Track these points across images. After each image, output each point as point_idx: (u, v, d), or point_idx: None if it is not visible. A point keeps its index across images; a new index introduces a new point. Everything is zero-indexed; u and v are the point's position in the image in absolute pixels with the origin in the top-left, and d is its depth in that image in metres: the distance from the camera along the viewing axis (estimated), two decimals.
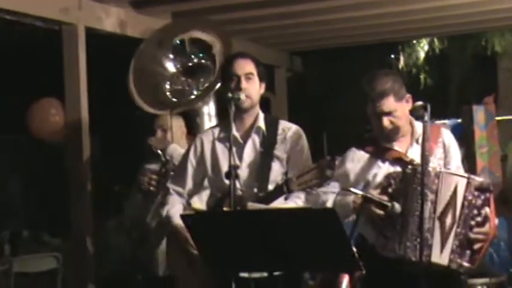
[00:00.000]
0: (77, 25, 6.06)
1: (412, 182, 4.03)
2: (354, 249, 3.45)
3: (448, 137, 4.35)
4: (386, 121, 4.14)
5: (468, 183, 4.03)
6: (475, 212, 4.04)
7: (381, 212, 4.00)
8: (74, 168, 6.10)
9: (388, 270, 4.06)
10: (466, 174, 4.11)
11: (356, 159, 4.28)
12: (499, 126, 8.93)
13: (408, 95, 4.21)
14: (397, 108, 4.15)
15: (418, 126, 4.24)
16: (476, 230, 4.04)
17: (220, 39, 5.57)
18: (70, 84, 6.09)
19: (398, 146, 4.23)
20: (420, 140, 4.19)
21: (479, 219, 4.04)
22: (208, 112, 5.67)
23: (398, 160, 4.19)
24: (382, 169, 4.20)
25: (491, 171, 8.09)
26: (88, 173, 6.09)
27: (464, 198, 4.02)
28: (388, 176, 4.12)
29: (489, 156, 8.16)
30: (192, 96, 5.66)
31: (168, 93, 5.67)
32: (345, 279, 4.23)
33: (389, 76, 4.21)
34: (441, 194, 4.02)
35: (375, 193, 4.05)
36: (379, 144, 4.27)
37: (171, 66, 5.70)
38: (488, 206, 4.07)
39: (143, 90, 5.64)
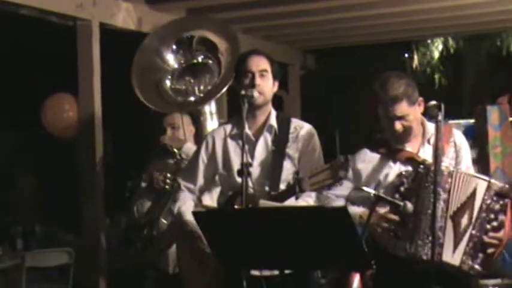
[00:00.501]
0: (92, 21, 6.07)
1: (424, 181, 4.02)
2: (365, 247, 3.45)
3: (459, 137, 4.33)
4: (398, 125, 4.12)
5: (488, 187, 4.01)
6: (492, 216, 4.02)
7: (395, 218, 4.00)
8: (87, 164, 6.12)
9: (399, 269, 4.05)
10: (486, 178, 4.07)
11: (367, 159, 4.27)
12: None
13: (420, 98, 4.19)
14: (410, 113, 4.12)
15: (430, 126, 4.23)
16: (491, 234, 4.02)
17: (228, 41, 5.56)
18: (84, 80, 6.11)
19: (410, 147, 4.22)
20: (432, 140, 4.18)
21: (495, 224, 4.02)
22: (210, 110, 5.69)
23: (410, 160, 4.18)
24: (394, 169, 4.19)
25: (504, 172, 8.06)
26: (100, 169, 6.10)
27: (483, 201, 4.00)
28: (400, 175, 4.11)
29: (503, 157, 8.12)
30: (200, 96, 5.67)
31: (170, 92, 5.67)
32: (356, 278, 4.21)
33: (402, 79, 4.16)
34: (455, 194, 4.01)
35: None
36: (391, 145, 4.26)
37: (172, 60, 5.69)
38: (505, 212, 4.03)
39: (145, 86, 5.65)
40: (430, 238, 3.95)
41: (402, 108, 4.10)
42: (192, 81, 5.74)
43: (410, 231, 4.01)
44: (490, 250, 4.03)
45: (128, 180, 8.05)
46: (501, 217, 4.02)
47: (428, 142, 4.23)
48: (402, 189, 4.06)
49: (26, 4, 5.58)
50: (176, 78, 5.74)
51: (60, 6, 5.84)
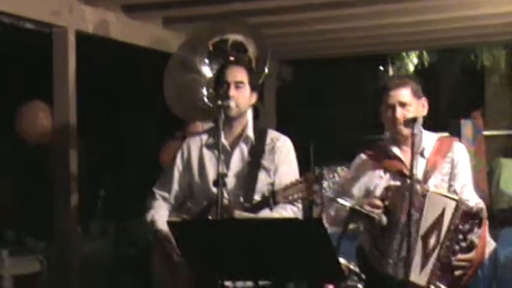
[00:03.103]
0: (68, 28, 6.03)
1: (402, 198, 4.02)
2: (341, 259, 3.45)
3: (459, 152, 4.30)
4: (400, 112, 4.13)
5: (457, 207, 3.97)
6: (461, 237, 3.98)
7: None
8: (60, 172, 6.07)
9: (382, 282, 4.06)
10: (456, 197, 4.05)
11: (362, 166, 4.29)
12: (486, 141, 8.97)
13: (424, 99, 4.21)
14: (412, 104, 4.15)
15: (426, 138, 4.25)
16: (459, 256, 3.99)
17: (255, 40, 5.47)
18: (59, 88, 6.06)
19: (403, 156, 4.21)
20: (425, 153, 4.20)
21: (464, 244, 3.99)
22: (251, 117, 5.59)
23: (399, 173, 4.18)
24: (383, 180, 4.21)
25: (477, 186, 8.09)
26: (74, 177, 6.06)
27: (451, 222, 3.97)
28: (386, 188, 4.13)
29: (476, 171, 8.17)
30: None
31: (206, 100, 5.51)
32: None
33: (409, 77, 4.26)
34: (427, 214, 3.99)
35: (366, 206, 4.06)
36: (387, 150, 4.25)
37: (206, 70, 5.52)
38: (476, 232, 4.00)
39: (181, 102, 5.52)
40: (399, 257, 3.96)
41: (406, 94, 4.14)
42: None
43: (386, 247, 4.03)
44: (459, 272, 4.02)
45: (100, 189, 8.02)
46: (470, 237, 3.99)
47: (422, 154, 4.23)
48: (386, 203, 4.06)
49: (1, 10, 5.54)
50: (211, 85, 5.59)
51: (36, 13, 5.80)
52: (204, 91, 5.48)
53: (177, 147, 4.65)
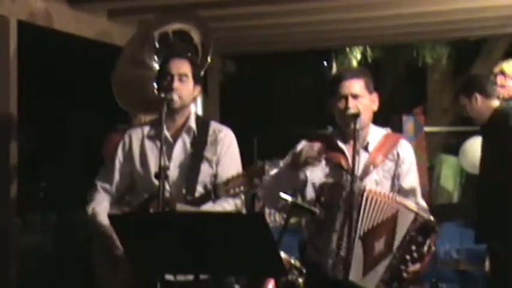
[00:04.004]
0: (9, 18, 5.95)
1: (338, 196, 4.03)
2: (282, 254, 3.46)
3: (405, 150, 4.31)
4: (352, 102, 4.12)
5: (415, 220, 3.98)
6: (414, 248, 4.00)
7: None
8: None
9: (322, 277, 4.08)
10: (414, 209, 4.04)
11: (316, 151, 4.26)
12: (427, 137, 9.08)
13: (375, 94, 4.23)
14: (364, 96, 4.16)
15: (374, 132, 4.26)
16: (410, 268, 4.01)
17: (199, 28, 5.42)
18: (0, 77, 5.98)
19: (348, 149, 4.18)
20: (369, 147, 4.21)
21: (415, 255, 4.01)
22: (195, 111, 5.57)
23: (339, 166, 4.19)
24: (322, 172, 4.20)
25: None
26: (14, 168, 5.98)
27: (408, 232, 3.98)
28: (322, 185, 4.12)
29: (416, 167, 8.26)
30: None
31: (155, 91, 5.43)
32: (270, 284, 4.23)
33: (363, 70, 4.38)
34: (367, 214, 4.00)
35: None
36: (332, 141, 4.25)
37: (156, 65, 5.32)
38: (428, 244, 4.03)
39: (129, 97, 5.46)
40: (338, 257, 3.98)
41: (359, 86, 4.16)
42: None
43: (323, 244, 4.05)
44: (406, 283, 4.05)
45: (42, 180, 7.93)
46: (422, 249, 4.01)
47: (366, 149, 4.24)
48: (322, 199, 4.07)
49: None
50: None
51: None
52: (155, 85, 5.44)
53: (119, 139, 4.62)
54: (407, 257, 4.00)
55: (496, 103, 5.71)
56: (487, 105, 5.71)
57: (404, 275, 4.01)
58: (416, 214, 4.00)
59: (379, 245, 4.00)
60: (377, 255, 4.00)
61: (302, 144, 4.30)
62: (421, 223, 3.99)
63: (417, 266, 4.03)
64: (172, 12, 5.84)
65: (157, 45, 5.40)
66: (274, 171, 4.21)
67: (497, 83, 6.08)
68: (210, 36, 5.33)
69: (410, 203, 4.08)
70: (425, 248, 4.02)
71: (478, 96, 5.71)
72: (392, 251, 3.99)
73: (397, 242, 3.99)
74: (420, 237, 4.00)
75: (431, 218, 4.07)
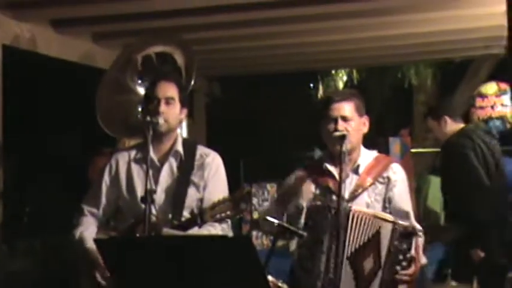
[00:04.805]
0: None
1: (324, 218, 4.01)
2: (270, 277, 3.44)
3: (397, 174, 4.29)
4: (341, 125, 4.11)
5: (394, 229, 3.97)
6: (401, 257, 3.99)
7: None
8: None
9: None
10: (391, 219, 4.04)
11: (296, 182, 4.27)
12: (414, 158, 9.07)
13: (366, 117, 4.22)
14: (354, 119, 4.15)
15: (365, 155, 4.25)
16: (402, 272, 4.00)
17: (182, 49, 5.40)
18: None
19: (336, 172, 4.15)
20: (359, 170, 4.20)
21: (404, 263, 4.00)
22: (181, 133, 5.53)
23: (328, 189, 4.18)
24: (313, 196, 4.19)
25: None
26: None
27: (390, 244, 3.96)
28: (309, 208, 4.10)
29: None
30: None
31: (139, 116, 5.37)
32: None
33: (353, 92, 4.31)
34: (355, 234, 3.97)
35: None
36: (321, 165, 4.25)
37: (140, 89, 5.32)
38: (414, 248, 4.01)
39: (114, 121, 5.41)
40: (326, 278, 3.95)
41: (349, 108, 4.15)
42: None
43: (312, 267, 4.03)
44: (402, 287, 4.04)
45: (26, 205, 7.85)
46: (409, 255, 4.00)
47: (355, 172, 4.23)
48: (310, 222, 4.05)
49: None
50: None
51: None
52: (139, 109, 5.40)
53: (104, 162, 4.59)
54: (397, 267, 3.99)
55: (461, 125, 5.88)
56: (454, 128, 5.86)
57: (397, 277, 3.99)
58: (394, 223, 3.99)
59: (368, 264, 3.98)
60: (368, 275, 3.98)
61: (288, 180, 4.32)
62: (401, 231, 3.98)
63: (411, 270, 4.01)
64: (154, 35, 5.83)
65: (140, 68, 5.37)
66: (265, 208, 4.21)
67: (475, 105, 6.18)
68: (194, 58, 5.32)
69: (385, 215, 4.08)
70: (413, 251, 4.01)
71: (448, 119, 5.86)
72: (381, 266, 3.97)
73: (383, 257, 3.98)
74: (404, 244, 3.99)
75: (409, 223, 4.08)
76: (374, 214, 4.05)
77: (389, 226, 3.98)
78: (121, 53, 5.75)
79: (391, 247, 3.97)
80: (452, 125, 5.93)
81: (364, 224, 3.99)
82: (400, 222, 4.03)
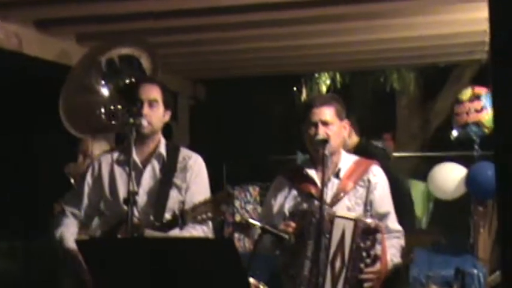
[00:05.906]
0: None
1: (309, 224, 4.03)
2: (252, 280, 3.45)
3: (377, 176, 4.30)
4: (322, 129, 4.13)
5: (355, 227, 3.98)
6: (364, 254, 4.00)
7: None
8: None
9: None
10: (352, 216, 4.05)
11: (279, 187, 4.30)
12: (397, 162, 9.10)
13: (346, 121, 4.24)
14: (335, 123, 4.17)
15: (346, 159, 4.27)
16: (366, 270, 4.02)
17: (147, 53, 5.41)
18: None
19: (318, 177, 4.18)
20: (340, 174, 4.22)
21: (368, 260, 4.02)
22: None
23: (310, 195, 4.19)
24: (296, 202, 4.21)
25: None
26: None
27: (353, 241, 3.98)
28: (291, 213, 4.13)
29: None
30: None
31: (103, 116, 5.39)
32: None
33: (334, 97, 4.34)
34: (334, 238, 4.00)
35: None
36: (302, 170, 4.26)
37: (105, 91, 5.37)
38: (379, 245, 4.03)
39: (76, 120, 5.41)
40: (310, 284, 3.97)
41: (330, 113, 4.17)
42: (122, 101, 5.48)
43: (296, 272, 4.04)
44: (368, 284, 4.05)
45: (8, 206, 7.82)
46: (373, 252, 4.02)
47: (337, 176, 4.25)
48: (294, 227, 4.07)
49: None
50: (109, 103, 5.46)
51: None
52: (102, 110, 5.42)
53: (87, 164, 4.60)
54: (361, 265, 4.01)
55: None
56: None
57: (363, 276, 4.01)
58: (355, 221, 4.01)
59: (338, 264, 4.00)
60: (337, 274, 4.00)
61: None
62: (363, 228, 4.00)
63: (375, 268, 4.03)
64: (121, 37, 5.85)
65: (104, 69, 5.39)
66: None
67: (454, 111, 6.20)
68: (159, 62, 5.35)
69: (346, 213, 4.10)
70: (377, 247, 4.02)
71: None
72: (345, 264, 3.99)
73: (347, 254, 3.99)
74: (368, 241, 4.01)
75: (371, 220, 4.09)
76: (340, 214, 4.06)
77: (351, 223, 3.99)
78: (86, 54, 5.78)
79: (354, 244, 3.98)
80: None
81: (337, 226, 4.01)
82: (363, 219, 4.06)
